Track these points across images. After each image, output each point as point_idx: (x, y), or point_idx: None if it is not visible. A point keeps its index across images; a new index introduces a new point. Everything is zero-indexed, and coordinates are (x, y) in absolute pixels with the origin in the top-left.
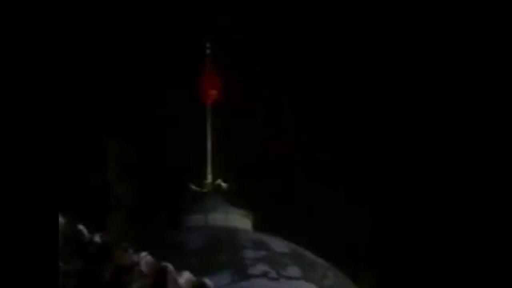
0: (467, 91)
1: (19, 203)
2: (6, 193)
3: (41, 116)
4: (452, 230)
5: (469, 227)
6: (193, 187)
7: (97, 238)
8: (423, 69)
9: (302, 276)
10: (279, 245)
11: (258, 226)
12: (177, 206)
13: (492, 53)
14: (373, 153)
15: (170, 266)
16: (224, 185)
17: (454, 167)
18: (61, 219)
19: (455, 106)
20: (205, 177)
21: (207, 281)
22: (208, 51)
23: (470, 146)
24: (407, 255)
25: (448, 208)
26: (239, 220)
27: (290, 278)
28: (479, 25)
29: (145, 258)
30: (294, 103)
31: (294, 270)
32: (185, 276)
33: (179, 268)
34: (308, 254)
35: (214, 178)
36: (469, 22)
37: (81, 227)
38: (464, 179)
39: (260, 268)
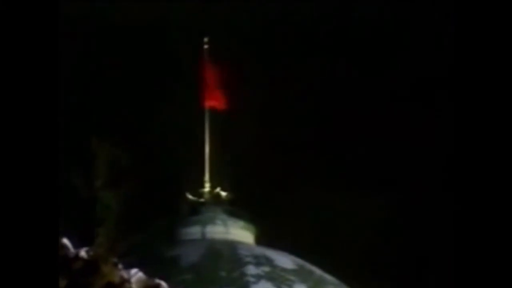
0: None
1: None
2: None
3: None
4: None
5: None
6: (189, 196)
7: (83, 253)
8: None
9: None
10: (285, 260)
11: (261, 239)
12: (172, 217)
13: None
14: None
15: (163, 284)
16: (223, 194)
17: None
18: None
19: None
20: (202, 186)
21: None
22: (206, 46)
23: None
24: (418, 271)
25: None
26: (240, 233)
27: None
28: None
29: (136, 274)
30: (296, 107)
31: None
32: None
33: (174, 285)
34: (317, 270)
35: (213, 187)
36: None
37: (65, 241)
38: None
39: (263, 285)
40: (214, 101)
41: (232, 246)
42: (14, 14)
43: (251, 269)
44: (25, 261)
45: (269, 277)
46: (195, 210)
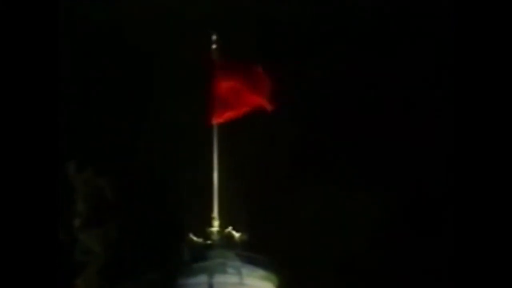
0: None
1: None
2: None
3: None
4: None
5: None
6: (193, 237)
7: None
8: None
9: None
10: None
11: None
12: (171, 264)
13: None
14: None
15: None
16: (236, 234)
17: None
18: None
19: None
20: (210, 224)
21: None
22: (214, 46)
23: None
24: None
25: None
26: (258, 284)
27: None
28: None
29: None
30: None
31: None
32: None
33: None
34: None
35: (223, 225)
36: None
37: None
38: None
39: None
40: (224, 115)
41: None
42: (14, 14)
43: None
44: None
45: None
46: (201, 255)
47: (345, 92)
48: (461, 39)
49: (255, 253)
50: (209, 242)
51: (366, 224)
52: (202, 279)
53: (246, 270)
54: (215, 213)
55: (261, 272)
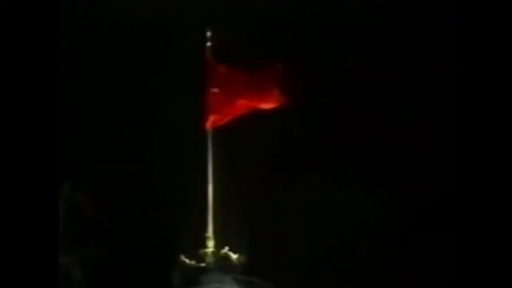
0: None
1: None
2: None
3: None
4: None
5: None
6: (185, 259)
7: None
8: None
9: None
10: None
11: None
12: None
13: None
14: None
15: None
16: (234, 256)
17: None
18: None
19: None
20: (203, 244)
21: None
22: (209, 44)
23: None
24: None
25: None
26: None
27: None
28: None
29: None
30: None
31: None
32: None
33: None
34: None
35: (219, 246)
36: None
37: None
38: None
39: None
40: (220, 118)
41: None
42: (14, 14)
43: None
44: None
45: None
46: (194, 280)
47: (345, 92)
48: (461, 39)
49: (254, 277)
50: (203, 265)
51: (367, 229)
52: None
53: None
54: (210, 232)
55: None
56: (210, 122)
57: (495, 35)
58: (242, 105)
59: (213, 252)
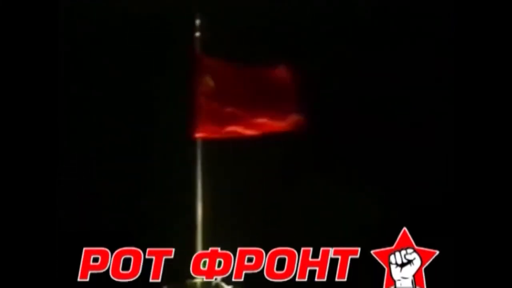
0: None
1: None
2: None
3: None
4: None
5: None
6: None
7: None
8: None
9: None
10: None
11: None
12: None
13: None
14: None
15: None
16: (227, 287)
17: None
18: None
19: None
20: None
21: None
22: (197, 34)
23: None
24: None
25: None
26: None
27: None
28: None
29: None
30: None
31: None
32: None
33: None
34: None
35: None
36: None
37: None
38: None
39: None
40: (211, 128)
41: None
42: (14, 13)
43: None
44: None
45: None
46: None
47: (345, 92)
48: (461, 39)
49: None
50: None
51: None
52: None
53: None
54: (198, 249)
55: None
56: (198, 131)
57: (495, 35)
58: (250, 124)
59: (202, 283)
